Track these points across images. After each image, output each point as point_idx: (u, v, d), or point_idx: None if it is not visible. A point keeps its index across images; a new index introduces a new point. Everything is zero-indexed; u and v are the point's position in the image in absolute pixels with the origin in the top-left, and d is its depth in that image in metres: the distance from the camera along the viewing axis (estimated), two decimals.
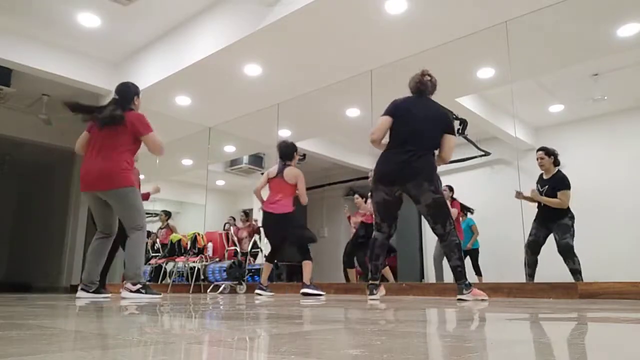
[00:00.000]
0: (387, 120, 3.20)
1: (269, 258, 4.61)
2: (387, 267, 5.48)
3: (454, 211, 5.93)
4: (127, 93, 3.59)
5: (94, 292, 3.48)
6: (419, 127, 3.13)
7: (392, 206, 3.22)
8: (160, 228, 7.51)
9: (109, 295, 3.82)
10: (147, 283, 3.56)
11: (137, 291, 3.34)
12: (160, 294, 3.57)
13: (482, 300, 2.95)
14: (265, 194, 4.53)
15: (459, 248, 3.04)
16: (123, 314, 1.68)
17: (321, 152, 7.82)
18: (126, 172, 3.37)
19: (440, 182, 3.17)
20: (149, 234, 7.82)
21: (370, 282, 3.29)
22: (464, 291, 2.97)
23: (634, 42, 4.56)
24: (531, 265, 4.33)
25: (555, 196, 4.27)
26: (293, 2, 4.35)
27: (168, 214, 7.61)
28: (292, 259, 7.10)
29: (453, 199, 6.00)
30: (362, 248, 5.59)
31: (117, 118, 3.37)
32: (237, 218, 7.19)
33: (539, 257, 4.40)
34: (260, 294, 4.48)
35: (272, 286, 5.75)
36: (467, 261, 6.04)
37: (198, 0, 5.22)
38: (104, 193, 3.36)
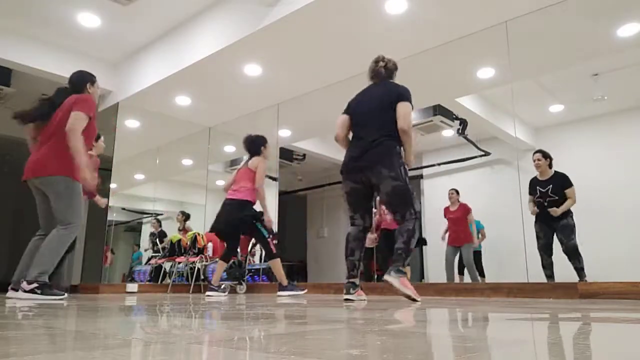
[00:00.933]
0: (342, 117, 3.19)
1: (224, 255, 4.36)
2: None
3: (471, 216, 5.95)
4: (75, 83, 3.45)
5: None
6: (368, 113, 3.03)
7: (361, 195, 3.04)
8: (179, 229, 7.44)
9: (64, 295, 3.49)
10: (48, 282, 3.15)
11: (31, 291, 3.01)
12: (64, 294, 3.24)
13: (408, 297, 2.72)
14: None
15: (410, 234, 2.83)
16: (127, 314, 1.68)
17: (321, 152, 7.82)
18: (63, 160, 3.14)
19: (405, 170, 2.94)
20: (155, 235, 7.81)
21: (348, 280, 3.01)
22: (392, 273, 2.75)
23: (634, 42, 4.56)
24: (548, 267, 4.44)
25: (562, 194, 4.34)
26: (293, 2, 4.35)
27: (186, 216, 7.53)
28: (292, 259, 7.10)
29: (459, 202, 6.03)
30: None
31: (43, 113, 3.28)
32: None
33: (536, 258, 4.44)
34: (210, 295, 4.24)
35: (272, 286, 5.75)
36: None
37: (198, 0, 5.22)
38: (39, 181, 3.16)
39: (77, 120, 3.11)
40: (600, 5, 4.22)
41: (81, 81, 3.45)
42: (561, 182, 4.38)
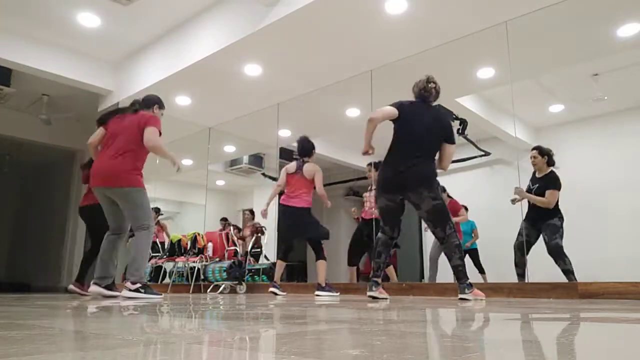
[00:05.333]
0: (392, 110, 3.22)
1: (281, 256, 4.58)
2: (391, 266, 5.49)
3: (463, 213, 5.95)
4: (149, 99, 3.77)
5: (106, 287, 3.57)
6: (422, 134, 3.18)
7: (394, 212, 3.28)
8: None
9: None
10: (148, 283, 3.57)
11: (136, 290, 3.35)
12: (161, 294, 3.59)
13: (481, 300, 3.00)
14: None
15: (460, 249, 3.10)
16: (123, 314, 1.68)
17: (321, 152, 7.80)
18: (134, 174, 3.46)
19: (439, 187, 3.22)
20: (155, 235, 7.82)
21: (373, 278, 3.33)
22: (466, 290, 3.03)
23: (634, 42, 4.56)
24: (521, 265, 4.32)
25: (544, 195, 4.27)
26: (293, 2, 4.35)
27: (156, 210, 7.56)
28: (292, 259, 7.09)
29: (450, 198, 6.00)
30: (363, 245, 5.61)
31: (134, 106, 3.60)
32: (238, 217, 7.19)
33: (537, 257, 4.40)
34: (276, 293, 4.49)
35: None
36: (468, 261, 6.05)
37: (198, 1, 5.22)
38: (112, 191, 3.44)
39: (152, 134, 3.47)
40: (601, 5, 4.21)
41: (152, 102, 3.75)
42: (547, 183, 4.30)
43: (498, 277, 5.73)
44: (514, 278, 4.31)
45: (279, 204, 4.50)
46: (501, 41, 4.59)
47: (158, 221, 7.42)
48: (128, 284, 3.38)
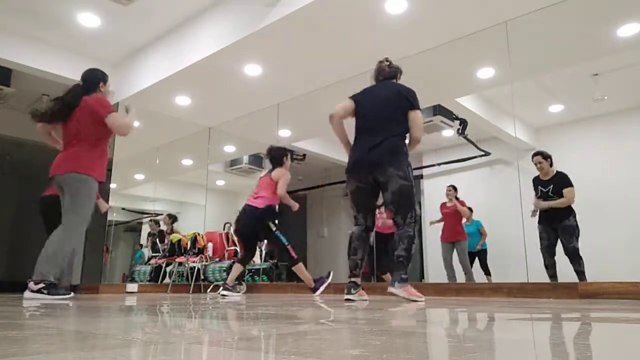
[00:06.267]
0: (348, 101, 3.16)
1: (242, 260, 4.46)
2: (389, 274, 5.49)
3: (465, 210, 5.97)
4: (89, 80, 3.53)
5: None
6: (379, 112, 3.04)
7: (366, 195, 3.05)
8: (167, 233, 7.44)
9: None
10: (54, 282, 3.16)
11: (39, 291, 3.03)
12: (70, 293, 3.26)
13: (416, 302, 2.67)
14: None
15: (410, 241, 2.83)
16: (127, 314, 1.68)
17: (321, 152, 7.82)
18: (88, 160, 3.28)
19: (411, 169, 2.98)
20: (155, 235, 7.80)
21: (351, 279, 3.01)
22: (396, 284, 2.76)
23: (634, 42, 4.56)
24: (551, 267, 4.46)
25: (561, 195, 4.33)
26: (293, 2, 4.35)
27: (173, 218, 7.54)
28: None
29: (457, 199, 6.03)
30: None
31: (70, 104, 3.37)
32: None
33: (538, 257, 4.44)
34: (225, 295, 4.23)
35: (272, 286, 5.76)
36: (476, 262, 6.06)
37: (198, 1, 5.22)
38: (60, 177, 3.27)
39: (118, 122, 3.36)
40: (601, 5, 4.21)
41: (94, 79, 3.53)
42: (561, 182, 4.38)
43: (498, 277, 5.74)
44: (514, 278, 4.31)
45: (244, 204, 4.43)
46: (501, 41, 4.59)
47: (172, 228, 7.38)
48: (31, 284, 3.07)
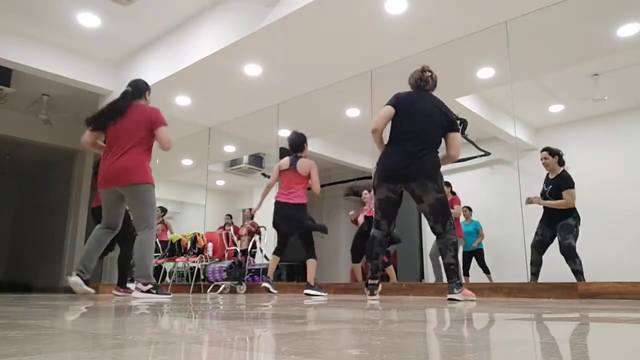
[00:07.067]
0: (390, 110, 3.15)
1: (277, 251, 4.53)
2: (391, 266, 5.48)
3: (457, 208, 5.95)
4: (139, 86, 3.74)
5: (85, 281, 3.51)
6: (422, 124, 3.07)
7: (393, 204, 3.19)
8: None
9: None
10: (158, 284, 3.61)
11: (148, 291, 3.37)
12: (170, 295, 3.62)
13: (472, 301, 2.87)
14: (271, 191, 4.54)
15: (455, 247, 3.01)
16: (126, 314, 1.68)
17: (321, 152, 7.81)
18: (146, 168, 3.47)
19: (443, 180, 3.13)
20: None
21: (370, 281, 3.24)
22: (455, 290, 2.92)
23: (634, 42, 4.56)
24: (536, 264, 4.36)
25: (559, 196, 4.29)
26: (293, 2, 4.35)
27: (164, 210, 7.56)
28: (292, 259, 7.10)
29: (453, 194, 6.00)
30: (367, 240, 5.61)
31: (121, 107, 3.53)
32: (238, 217, 7.18)
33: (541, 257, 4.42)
34: (268, 289, 4.48)
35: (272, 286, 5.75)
36: (474, 261, 6.05)
37: (198, 1, 5.22)
38: (123, 188, 3.41)
39: (167, 137, 3.66)
40: (600, 5, 4.21)
41: (143, 87, 3.77)
42: (560, 184, 4.33)
43: (498, 277, 5.74)
44: (514, 278, 4.31)
45: (275, 200, 4.43)
46: (501, 41, 4.59)
47: (162, 220, 7.41)
48: (139, 285, 3.39)
